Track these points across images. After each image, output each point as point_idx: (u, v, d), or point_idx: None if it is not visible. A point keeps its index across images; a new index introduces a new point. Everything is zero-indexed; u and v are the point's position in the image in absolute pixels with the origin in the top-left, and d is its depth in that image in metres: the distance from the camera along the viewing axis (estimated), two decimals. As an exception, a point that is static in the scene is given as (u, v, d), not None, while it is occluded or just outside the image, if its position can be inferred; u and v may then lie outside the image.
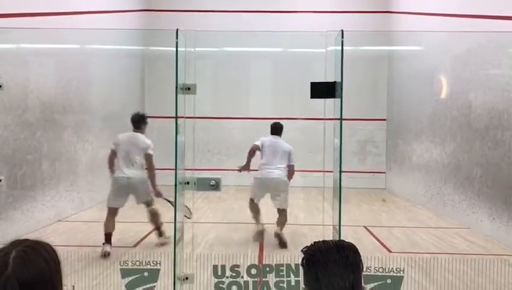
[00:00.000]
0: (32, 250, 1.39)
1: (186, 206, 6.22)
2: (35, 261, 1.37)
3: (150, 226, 7.47)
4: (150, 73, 13.25)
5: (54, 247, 1.48)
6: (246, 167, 7.16)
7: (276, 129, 7.12)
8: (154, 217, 6.54)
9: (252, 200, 6.95)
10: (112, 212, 6.28)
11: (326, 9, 12.87)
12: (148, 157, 6.34)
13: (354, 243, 1.69)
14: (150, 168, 6.35)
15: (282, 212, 6.78)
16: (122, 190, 6.29)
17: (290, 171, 6.89)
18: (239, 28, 12.10)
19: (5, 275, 1.31)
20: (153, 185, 6.41)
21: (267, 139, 7.05)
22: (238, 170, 7.20)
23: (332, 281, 1.56)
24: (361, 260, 1.63)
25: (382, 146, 13.22)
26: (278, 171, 6.77)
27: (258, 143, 6.98)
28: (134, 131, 6.49)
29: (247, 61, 13.18)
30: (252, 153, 7.07)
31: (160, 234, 6.60)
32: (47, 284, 1.37)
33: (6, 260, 1.34)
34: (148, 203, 6.47)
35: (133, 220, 8.23)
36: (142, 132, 6.52)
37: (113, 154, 6.39)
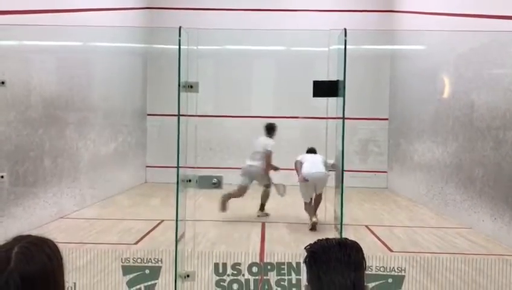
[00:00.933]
0: (34, 246, 1.39)
1: (282, 185, 8.33)
2: (38, 257, 1.37)
3: (151, 224, 7.50)
4: (152, 71, 13.25)
5: (56, 243, 1.48)
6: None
7: (312, 150, 8.23)
8: (265, 196, 8.52)
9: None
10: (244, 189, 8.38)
11: (329, 8, 12.85)
12: (267, 154, 8.31)
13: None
14: (267, 160, 8.36)
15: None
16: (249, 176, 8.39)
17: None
18: (242, 26, 12.09)
19: (7, 271, 1.31)
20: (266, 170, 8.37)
21: (307, 156, 8.09)
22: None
23: (334, 280, 1.56)
24: (364, 259, 1.63)
25: (384, 145, 13.21)
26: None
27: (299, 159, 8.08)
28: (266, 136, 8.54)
29: (250, 59, 13.17)
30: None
31: (262, 209, 8.54)
32: (49, 280, 1.38)
33: (9, 256, 1.34)
34: (266, 186, 8.49)
35: (134, 218, 8.26)
36: (271, 137, 8.53)
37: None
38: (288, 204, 8.79)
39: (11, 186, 6.68)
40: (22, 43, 7.23)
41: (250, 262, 3.92)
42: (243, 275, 3.89)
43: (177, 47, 3.60)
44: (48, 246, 1.42)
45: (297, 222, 7.91)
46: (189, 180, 3.60)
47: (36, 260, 1.36)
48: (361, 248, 1.65)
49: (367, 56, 12.13)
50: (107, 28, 9.60)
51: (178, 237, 3.85)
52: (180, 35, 3.59)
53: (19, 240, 1.41)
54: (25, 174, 7.02)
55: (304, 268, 1.67)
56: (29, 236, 1.45)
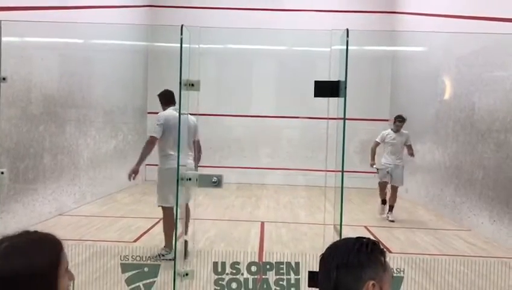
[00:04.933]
0: (27, 244, 1.37)
1: None
2: (23, 256, 1.34)
3: (150, 222, 7.47)
4: (153, 69, 13.24)
5: (54, 243, 1.44)
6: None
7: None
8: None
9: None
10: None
11: (331, 9, 12.85)
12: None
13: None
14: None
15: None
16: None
17: None
18: (244, 26, 12.08)
19: None
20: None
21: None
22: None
23: (320, 282, 1.56)
24: (367, 257, 1.52)
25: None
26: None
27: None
28: None
29: (252, 58, 13.17)
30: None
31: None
32: (36, 280, 1.34)
33: None
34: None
35: (133, 216, 8.25)
36: None
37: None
38: (287, 204, 8.79)
39: (11, 182, 6.68)
40: (23, 39, 7.22)
41: (249, 261, 3.92)
42: (242, 274, 3.88)
43: (179, 45, 3.59)
44: (46, 246, 1.40)
45: (297, 221, 7.91)
46: (190, 179, 3.59)
47: (16, 261, 1.32)
48: (361, 248, 1.54)
49: (369, 57, 12.12)
50: (109, 25, 9.60)
51: (177, 235, 3.84)
52: (182, 34, 3.58)
53: (8, 239, 1.39)
54: (25, 171, 7.02)
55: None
56: (20, 235, 1.42)
